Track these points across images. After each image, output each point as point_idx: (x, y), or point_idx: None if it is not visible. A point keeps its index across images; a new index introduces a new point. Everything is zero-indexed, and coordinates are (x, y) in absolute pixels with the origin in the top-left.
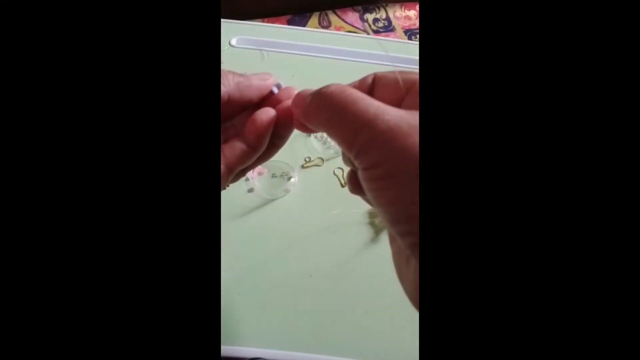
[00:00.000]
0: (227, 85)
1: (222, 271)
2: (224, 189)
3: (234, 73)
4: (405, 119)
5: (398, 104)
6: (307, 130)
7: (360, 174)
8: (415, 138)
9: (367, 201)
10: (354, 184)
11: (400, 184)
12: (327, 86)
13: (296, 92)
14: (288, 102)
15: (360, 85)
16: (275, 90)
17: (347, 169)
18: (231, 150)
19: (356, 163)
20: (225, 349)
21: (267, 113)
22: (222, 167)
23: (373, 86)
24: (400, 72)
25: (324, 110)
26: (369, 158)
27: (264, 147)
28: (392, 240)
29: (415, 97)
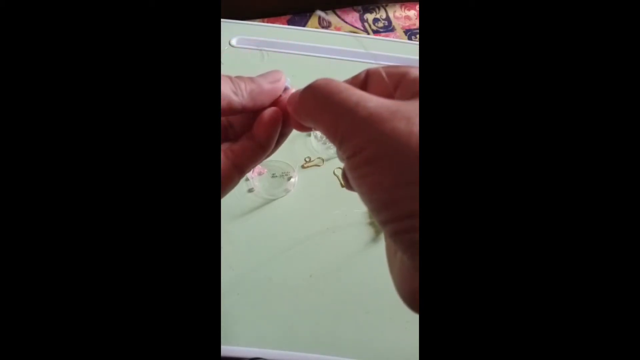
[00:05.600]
0: (241, 96)
1: (222, 271)
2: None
3: (245, 80)
4: (385, 105)
5: (390, 97)
6: (303, 128)
7: (345, 164)
8: (395, 124)
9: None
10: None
11: (380, 170)
12: (316, 80)
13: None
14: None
15: (354, 81)
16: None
17: None
18: (242, 149)
19: (340, 152)
20: (225, 349)
21: (273, 112)
22: (232, 167)
23: (366, 81)
24: (386, 67)
25: (310, 102)
26: (351, 145)
27: (273, 145)
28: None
29: (405, 90)
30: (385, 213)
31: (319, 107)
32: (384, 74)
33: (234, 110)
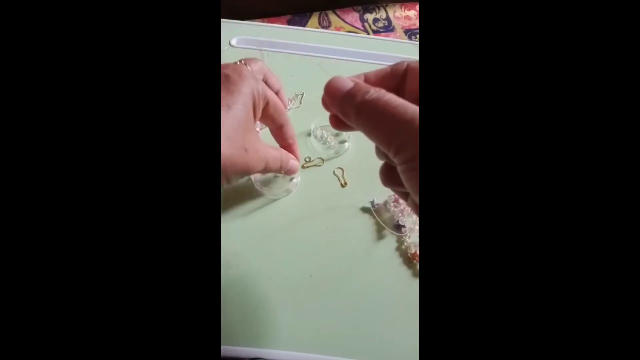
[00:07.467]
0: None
1: (222, 271)
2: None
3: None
4: None
5: None
6: (342, 126)
7: (399, 168)
8: None
9: (399, 193)
10: (387, 177)
11: None
12: (365, 89)
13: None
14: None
15: (392, 72)
16: None
17: (347, 169)
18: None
19: (396, 160)
20: (225, 349)
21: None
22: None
23: (405, 75)
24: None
25: (364, 114)
26: (408, 153)
27: None
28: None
29: None
30: None
31: (373, 120)
32: None
33: None
